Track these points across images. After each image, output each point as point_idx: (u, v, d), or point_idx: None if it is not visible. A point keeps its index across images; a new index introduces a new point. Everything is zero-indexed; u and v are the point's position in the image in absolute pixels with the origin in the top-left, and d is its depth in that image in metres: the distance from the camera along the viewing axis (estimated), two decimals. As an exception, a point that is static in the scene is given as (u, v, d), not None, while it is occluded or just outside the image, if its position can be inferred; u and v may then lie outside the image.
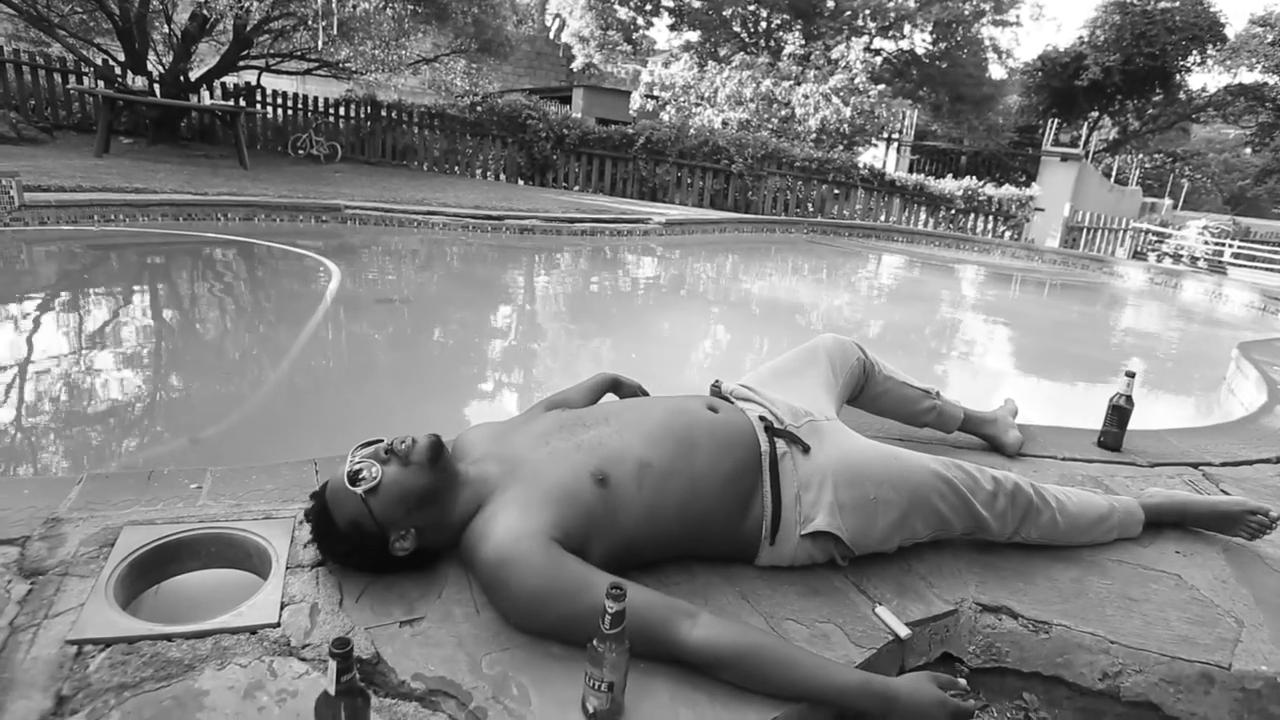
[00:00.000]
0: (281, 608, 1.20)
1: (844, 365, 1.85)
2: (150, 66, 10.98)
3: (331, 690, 0.89)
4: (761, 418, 1.51)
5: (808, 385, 1.72)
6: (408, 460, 1.26)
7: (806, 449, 1.47)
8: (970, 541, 1.62)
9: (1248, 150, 30.37)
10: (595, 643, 1.02)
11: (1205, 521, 1.78)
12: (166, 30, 11.40)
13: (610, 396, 1.82)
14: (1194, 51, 21.72)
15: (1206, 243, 13.20)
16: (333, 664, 0.88)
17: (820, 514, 1.41)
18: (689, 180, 13.11)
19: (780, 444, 1.46)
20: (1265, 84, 22.37)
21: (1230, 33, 21.41)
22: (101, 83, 9.91)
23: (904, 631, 1.34)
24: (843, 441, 1.52)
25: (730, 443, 1.43)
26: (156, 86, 10.44)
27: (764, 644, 1.16)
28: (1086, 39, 22.41)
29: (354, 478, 1.24)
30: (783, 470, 1.43)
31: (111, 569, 1.24)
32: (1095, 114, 24.32)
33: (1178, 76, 22.75)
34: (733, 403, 1.59)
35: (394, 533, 1.25)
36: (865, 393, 1.94)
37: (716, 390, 1.68)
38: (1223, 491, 2.05)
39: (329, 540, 1.28)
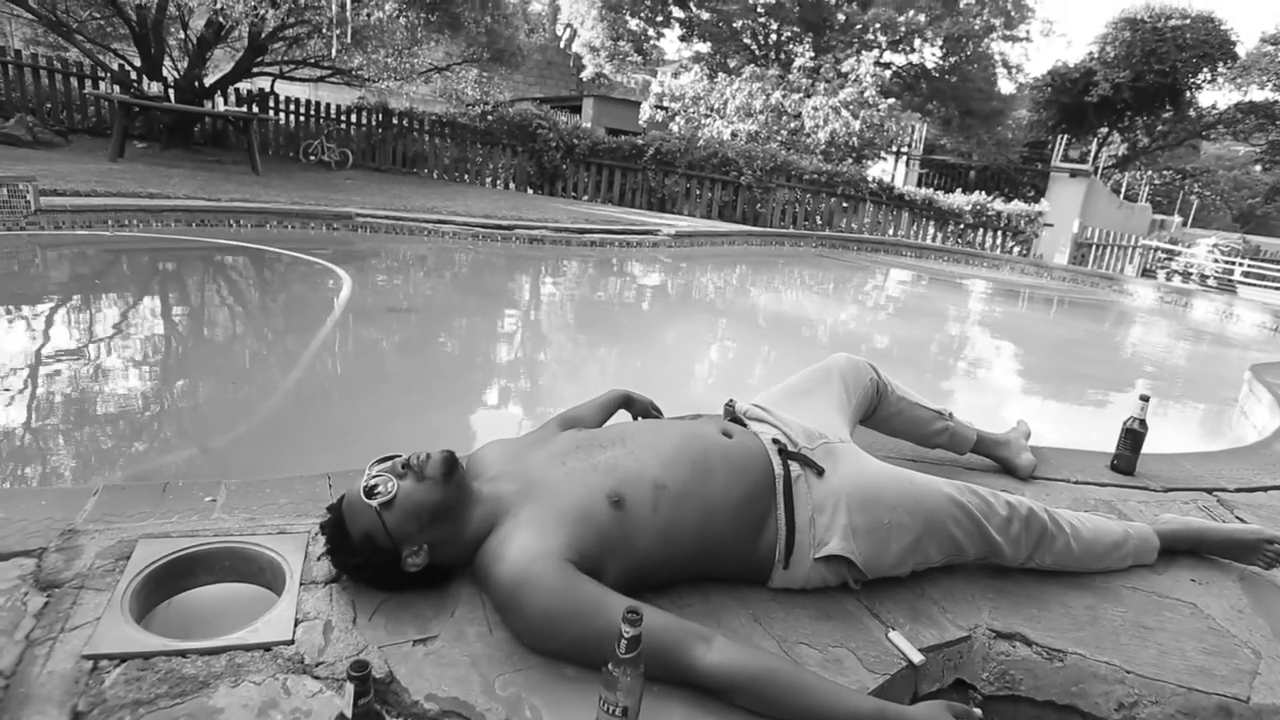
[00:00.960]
0: (295, 624, 1.20)
1: (857, 385, 1.84)
2: (165, 72, 11.11)
3: (348, 713, 0.89)
4: (775, 440, 1.50)
5: (821, 406, 1.71)
6: (422, 475, 1.27)
7: (821, 472, 1.46)
8: (984, 566, 1.61)
9: (1257, 168, 30.28)
10: (610, 667, 1.02)
11: (1221, 549, 1.76)
12: (182, 36, 11.54)
13: (622, 414, 1.82)
14: (1204, 69, 21.69)
15: (1216, 261, 13.16)
16: (350, 687, 0.88)
17: (834, 537, 1.41)
18: (698, 191, 13.15)
19: (794, 467, 1.46)
20: (1276, 102, 22.33)
21: (1241, 50, 21.40)
22: (117, 88, 10.03)
23: (917, 657, 1.33)
24: (857, 464, 1.51)
25: (744, 467, 1.43)
26: (171, 92, 10.55)
27: (778, 669, 1.15)
28: (1096, 55, 22.40)
29: (370, 491, 1.25)
30: (797, 493, 1.43)
31: (127, 582, 1.24)
32: (1105, 130, 24.29)
33: (1188, 93, 22.72)
34: (746, 424, 1.59)
35: (407, 548, 1.25)
36: (878, 413, 1.94)
37: (730, 410, 1.67)
38: (1238, 518, 2.03)
39: (342, 553, 1.28)
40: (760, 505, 1.41)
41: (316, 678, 1.11)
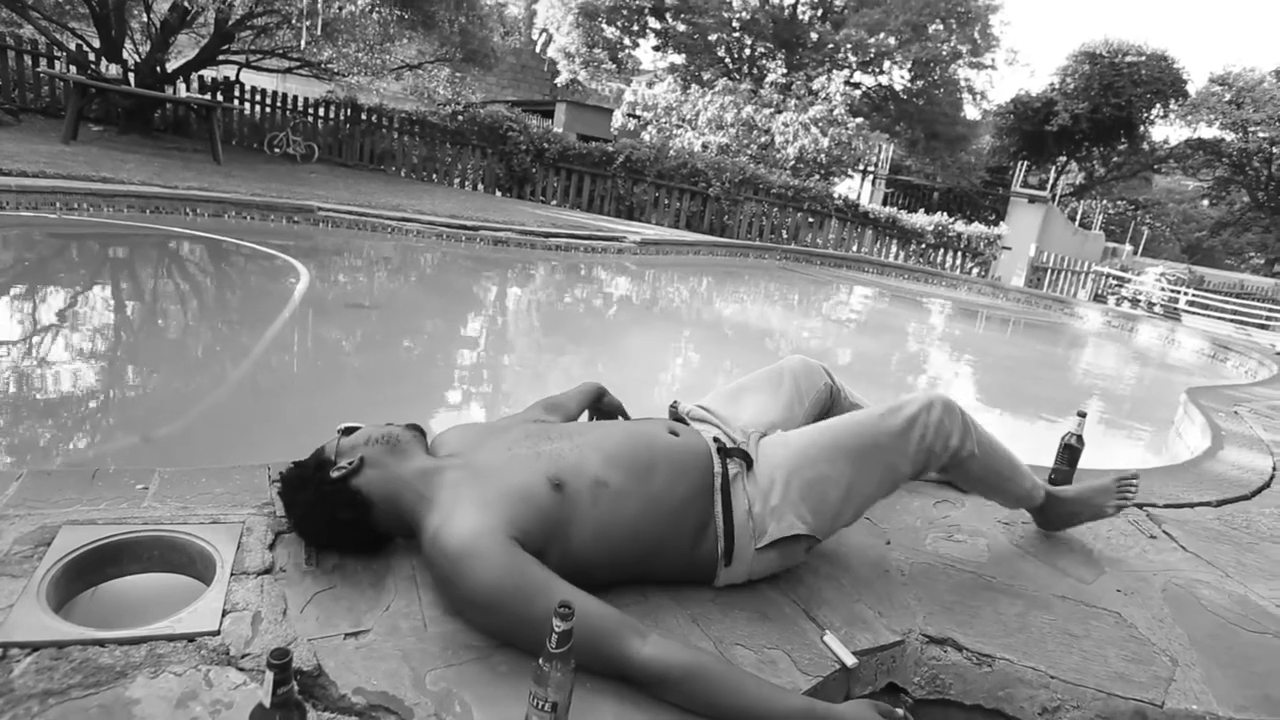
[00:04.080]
0: (223, 615, 1.18)
1: (810, 388, 1.87)
2: (126, 55, 10.79)
3: (267, 703, 0.87)
4: (715, 439, 1.52)
5: (767, 404, 1.74)
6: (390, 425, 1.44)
7: (751, 463, 1.49)
8: (919, 573, 1.64)
9: (1205, 202, 31.60)
10: (540, 661, 1.02)
11: (1091, 500, 1.86)
12: (145, 19, 11.23)
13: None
14: (1157, 105, 22.61)
15: (1164, 289, 13.64)
16: (269, 675, 0.86)
17: (771, 523, 1.43)
18: (666, 201, 13.21)
19: (732, 465, 1.48)
20: (1222, 140, 23.35)
21: (1191, 89, 22.35)
22: (74, 68, 9.70)
23: (850, 660, 1.35)
24: (782, 441, 1.55)
25: (687, 466, 1.44)
26: (131, 75, 10.25)
27: (710, 666, 1.16)
28: (1057, 86, 23.18)
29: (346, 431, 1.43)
30: (734, 491, 1.45)
31: (46, 569, 1.20)
32: (1063, 159, 25.12)
33: (1142, 128, 23.63)
34: (689, 424, 1.60)
35: (344, 460, 1.35)
36: (831, 416, 1.96)
37: (674, 411, 1.69)
38: (1165, 533, 2.11)
39: (289, 473, 1.38)
40: (700, 505, 1.42)
41: (241, 670, 1.09)
